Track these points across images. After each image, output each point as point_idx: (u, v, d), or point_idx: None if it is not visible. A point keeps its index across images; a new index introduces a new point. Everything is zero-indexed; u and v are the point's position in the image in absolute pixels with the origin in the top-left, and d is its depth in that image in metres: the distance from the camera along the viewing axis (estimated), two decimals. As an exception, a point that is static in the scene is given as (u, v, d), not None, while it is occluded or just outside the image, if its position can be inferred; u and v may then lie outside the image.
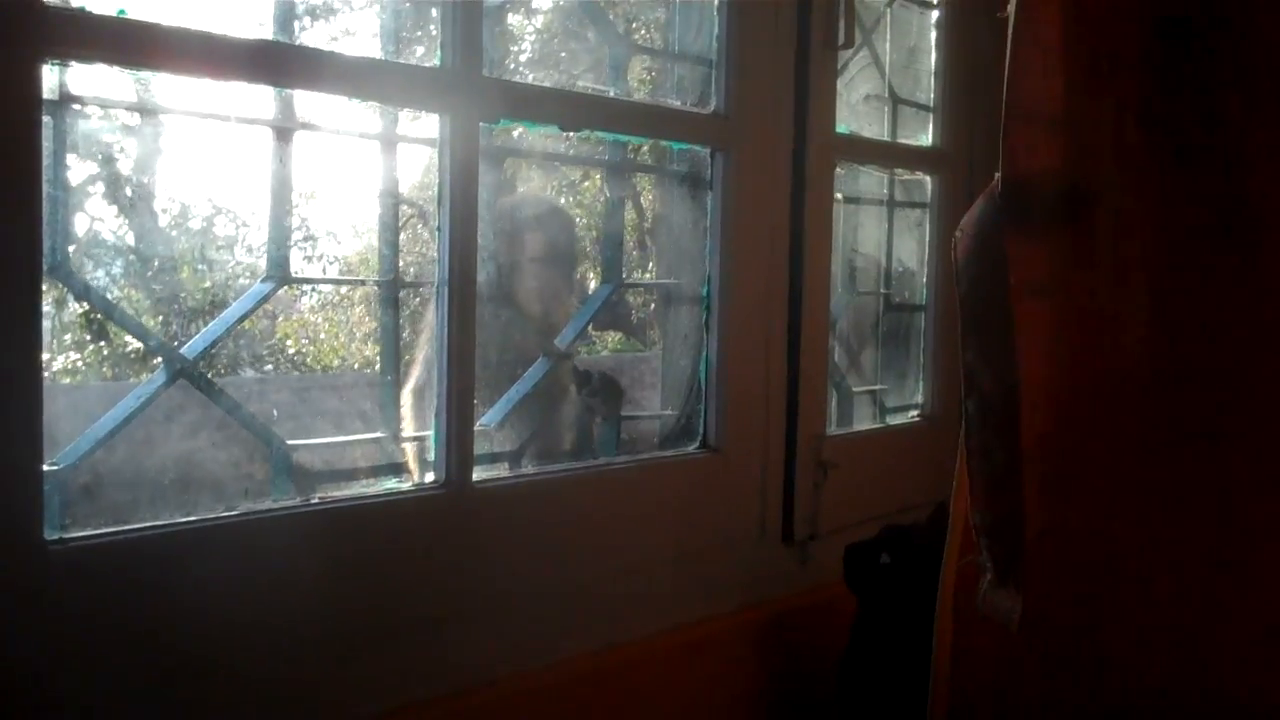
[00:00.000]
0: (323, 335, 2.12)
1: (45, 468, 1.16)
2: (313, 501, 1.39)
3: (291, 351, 2.03)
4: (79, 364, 1.59)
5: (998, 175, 1.30)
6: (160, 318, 1.60)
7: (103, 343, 1.58)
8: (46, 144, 1.17)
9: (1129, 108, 1.34)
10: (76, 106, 1.23)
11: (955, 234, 1.29)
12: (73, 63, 1.18)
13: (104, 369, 1.59)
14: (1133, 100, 1.34)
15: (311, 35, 1.57)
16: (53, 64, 1.18)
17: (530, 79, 2.20)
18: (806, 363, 2.04)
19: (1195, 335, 1.35)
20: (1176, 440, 1.37)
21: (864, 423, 2.40)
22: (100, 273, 1.56)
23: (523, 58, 2.25)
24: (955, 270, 1.29)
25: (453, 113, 1.47)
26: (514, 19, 2.10)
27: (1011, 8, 1.30)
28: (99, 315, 1.49)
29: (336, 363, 2.08)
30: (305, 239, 1.82)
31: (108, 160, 1.47)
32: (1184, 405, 1.36)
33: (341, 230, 1.85)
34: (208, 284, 1.67)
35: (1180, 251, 1.34)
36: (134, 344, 1.55)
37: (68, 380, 1.57)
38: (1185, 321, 1.35)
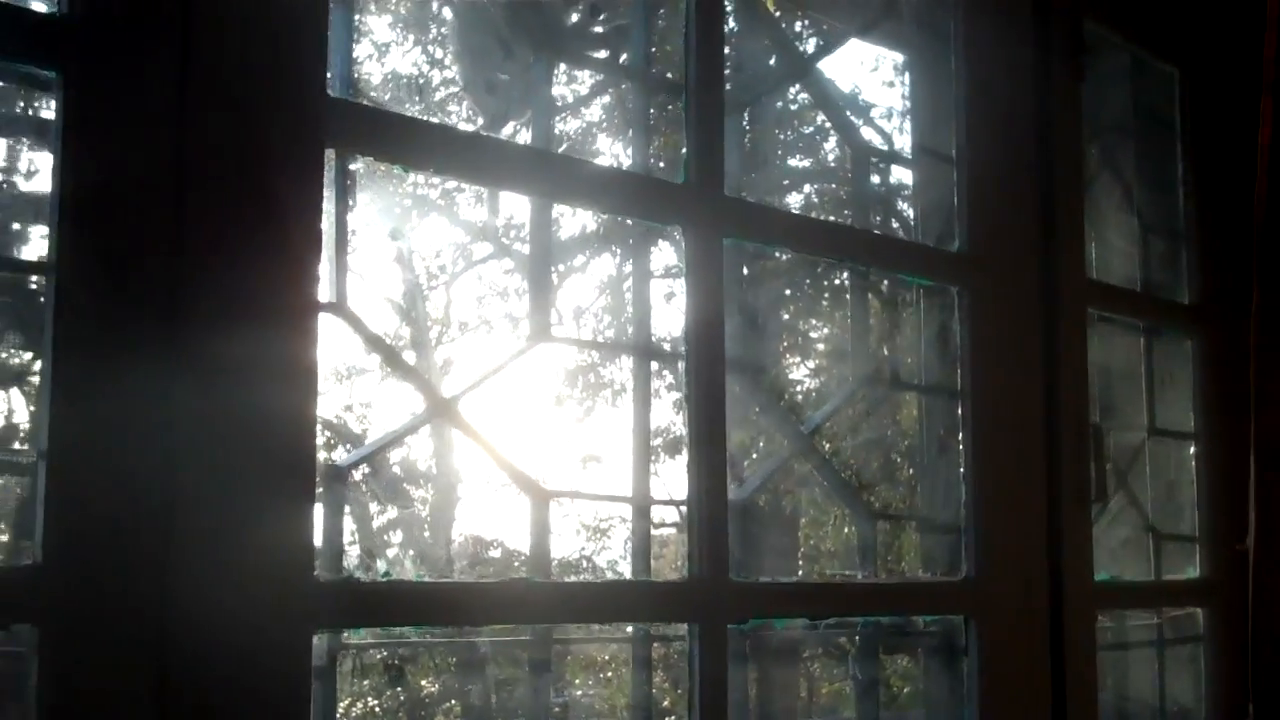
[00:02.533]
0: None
1: None
2: None
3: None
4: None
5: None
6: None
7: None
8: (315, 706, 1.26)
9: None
10: (346, 666, 1.36)
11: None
12: (344, 630, 1.29)
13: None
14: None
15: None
16: (322, 632, 1.28)
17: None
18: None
19: None
20: None
21: None
22: None
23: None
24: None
25: (701, 623, 1.55)
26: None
27: (1250, 539, 1.30)
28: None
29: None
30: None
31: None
32: None
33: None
34: None
35: None
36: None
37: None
38: None
